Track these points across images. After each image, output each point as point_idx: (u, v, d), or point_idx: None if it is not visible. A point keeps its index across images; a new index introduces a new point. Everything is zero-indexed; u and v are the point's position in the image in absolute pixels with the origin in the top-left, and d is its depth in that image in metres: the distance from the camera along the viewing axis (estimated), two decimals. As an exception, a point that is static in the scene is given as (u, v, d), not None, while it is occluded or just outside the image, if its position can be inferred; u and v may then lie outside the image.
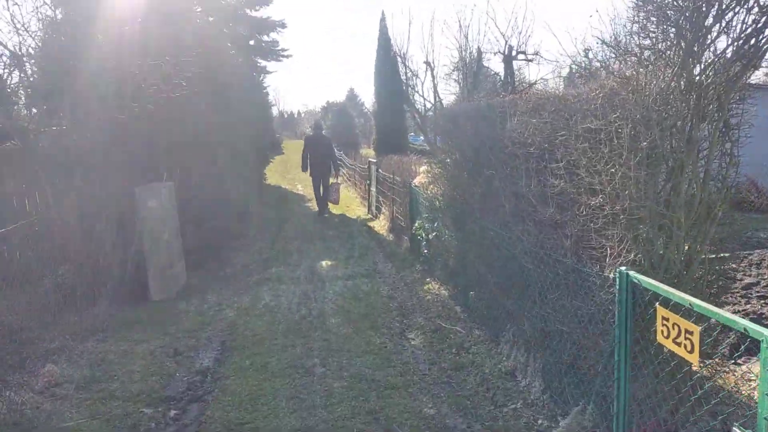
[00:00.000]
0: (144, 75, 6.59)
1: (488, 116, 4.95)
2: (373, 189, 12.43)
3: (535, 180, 3.99)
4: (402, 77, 15.42)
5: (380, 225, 11.06)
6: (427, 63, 19.97)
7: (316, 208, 14.13)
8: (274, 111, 60.21)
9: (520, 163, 4.22)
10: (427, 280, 7.12)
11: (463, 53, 20.11)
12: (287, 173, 24.51)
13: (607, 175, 3.14)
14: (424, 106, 19.43)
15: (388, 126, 13.54)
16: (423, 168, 8.20)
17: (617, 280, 3.01)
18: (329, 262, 8.51)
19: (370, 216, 12.71)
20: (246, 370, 4.65)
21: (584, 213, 3.36)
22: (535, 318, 4.08)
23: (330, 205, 12.94)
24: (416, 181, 8.02)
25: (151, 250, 6.83)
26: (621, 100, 3.03)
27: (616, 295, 3.03)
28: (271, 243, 9.96)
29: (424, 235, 7.39)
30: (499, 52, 24.30)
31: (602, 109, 3.20)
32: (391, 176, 10.23)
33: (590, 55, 28.94)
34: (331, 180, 13.02)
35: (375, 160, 12.40)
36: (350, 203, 14.94)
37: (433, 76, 20.38)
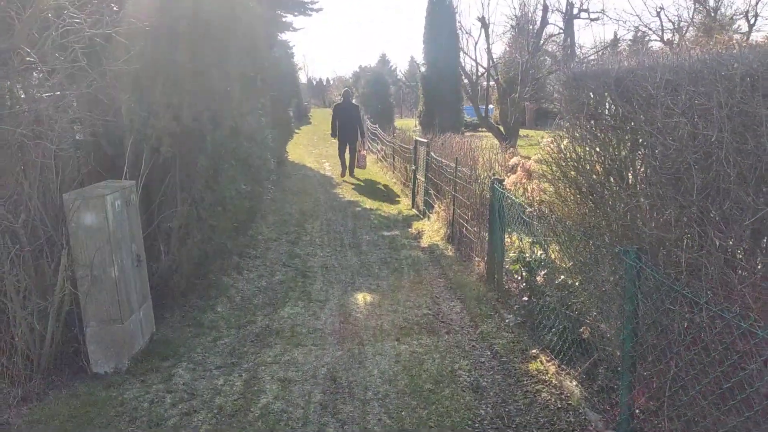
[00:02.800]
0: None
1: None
2: (421, 177, 9.65)
3: None
4: (458, 33, 12.38)
5: (432, 229, 8.31)
6: (482, 19, 16.82)
7: (347, 197, 11.54)
8: (302, 77, 57.25)
9: None
10: (533, 352, 4.37)
11: (524, 9, 16.90)
12: (314, 147, 21.83)
13: None
14: (476, 70, 16.39)
15: (438, 95, 10.62)
16: (514, 160, 5.39)
17: None
18: (368, 297, 5.83)
19: (415, 212, 9.96)
20: None
21: None
22: None
23: (359, 180, 13.30)
24: (509, 182, 5.21)
25: (89, 294, 4.26)
26: None
27: None
28: (287, 256, 7.32)
29: (524, 273, 4.64)
30: (558, 10, 21.00)
31: None
32: (453, 165, 7.43)
33: (663, 15, 25.13)
34: (359, 149, 13.91)
35: (424, 140, 9.61)
36: (388, 192, 12.19)
37: (487, 35, 17.25)
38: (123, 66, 4.32)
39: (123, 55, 4.35)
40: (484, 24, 17.33)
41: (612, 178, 3.68)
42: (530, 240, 4.65)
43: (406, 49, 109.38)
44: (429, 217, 8.91)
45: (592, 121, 3.90)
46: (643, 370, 3.17)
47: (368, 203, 11.02)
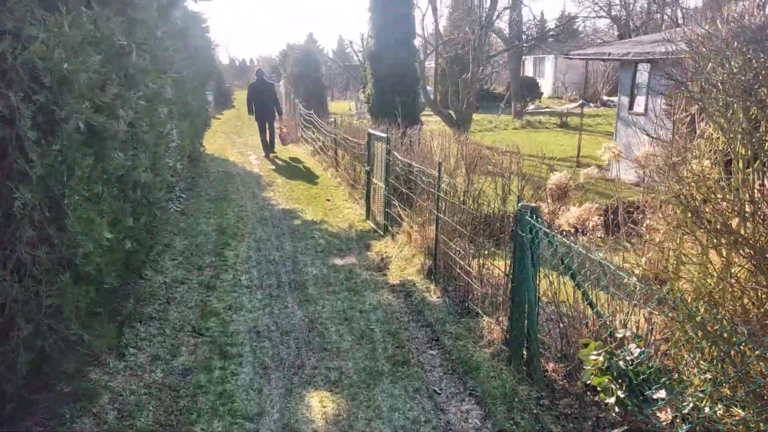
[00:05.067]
0: None
1: None
2: (379, 182, 7.48)
3: None
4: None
5: (402, 255, 6.20)
6: (429, -11, 14.68)
7: (282, 204, 9.26)
8: (224, 58, 53.07)
9: None
10: None
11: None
12: (238, 135, 19.13)
13: None
14: (424, 48, 14.29)
15: (391, 75, 8.50)
16: (555, 178, 3.39)
17: None
18: (329, 402, 3.65)
19: (372, 225, 7.80)
20: None
21: None
22: None
23: (292, 175, 11.94)
24: (569, 218, 3.18)
25: None
26: None
27: None
28: (199, 313, 4.98)
29: (619, 393, 2.62)
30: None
31: None
32: (433, 174, 5.32)
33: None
34: (279, 126, 14.36)
35: (381, 134, 7.43)
36: (333, 195, 9.93)
37: (434, 9, 15.16)
38: None
39: None
40: (431, -5, 15.22)
41: None
42: (629, 333, 2.63)
43: (334, 27, 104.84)
44: (394, 236, 6.79)
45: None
46: None
47: (309, 212, 8.75)
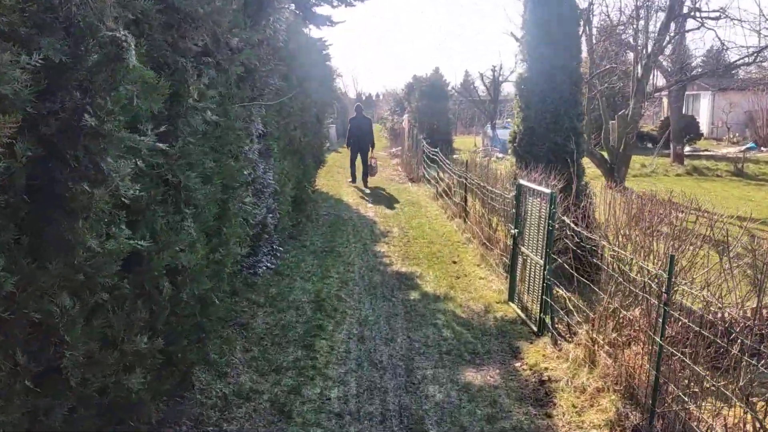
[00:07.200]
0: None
1: None
2: (532, 254, 5.33)
3: None
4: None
5: (575, 383, 3.98)
6: (586, 12, 12.43)
7: (395, 264, 7.40)
8: (351, 91, 53.67)
9: None
10: None
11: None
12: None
13: None
14: (576, 78, 12.02)
15: (548, 112, 6.33)
16: None
17: None
18: None
19: (516, 310, 5.63)
20: None
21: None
22: None
23: (398, 216, 10.60)
24: None
25: None
26: None
27: None
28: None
29: None
30: (661, 9, 16.31)
31: None
32: (659, 274, 3.12)
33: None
34: (370, 157, 14.57)
35: (542, 188, 5.31)
36: (459, 255, 7.86)
37: (590, 35, 12.84)
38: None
39: None
40: (588, 19, 12.92)
41: None
42: None
43: (460, 63, 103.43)
44: (557, 342, 4.58)
45: None
46: None
47: (431, 279, 6.78)
